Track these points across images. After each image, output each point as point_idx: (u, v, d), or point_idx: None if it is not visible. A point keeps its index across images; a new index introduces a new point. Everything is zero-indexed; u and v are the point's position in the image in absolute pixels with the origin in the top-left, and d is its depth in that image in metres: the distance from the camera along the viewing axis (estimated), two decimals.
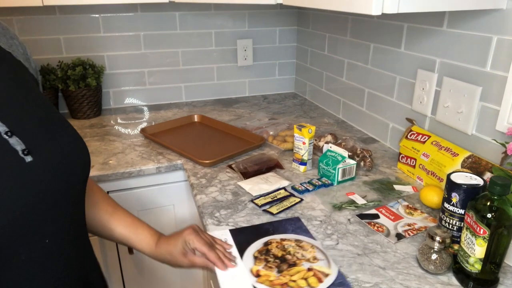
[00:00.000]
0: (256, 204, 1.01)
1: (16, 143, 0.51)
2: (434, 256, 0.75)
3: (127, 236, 0.78)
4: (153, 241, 0.79)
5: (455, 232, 0.80)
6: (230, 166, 1.21)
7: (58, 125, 0.59)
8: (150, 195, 1.30)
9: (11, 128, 0.51)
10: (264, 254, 0.81)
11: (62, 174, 0.56)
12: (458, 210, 0.78)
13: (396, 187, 1.09)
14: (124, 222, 0.79)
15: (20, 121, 0.53)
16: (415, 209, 0.98)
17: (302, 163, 1.18)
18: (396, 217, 0.95)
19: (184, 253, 0.77)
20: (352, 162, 1.12)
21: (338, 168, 1.09)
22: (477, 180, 0.78)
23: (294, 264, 0.78)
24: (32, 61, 0.66)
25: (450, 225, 0.80)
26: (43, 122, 0.57)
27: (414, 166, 1.12)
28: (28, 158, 0.51)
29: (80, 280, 0.62)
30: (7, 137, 0.51)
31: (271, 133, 1.43)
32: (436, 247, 0.74)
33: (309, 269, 0.76)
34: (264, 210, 0.98)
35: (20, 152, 0.51)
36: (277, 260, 0.79)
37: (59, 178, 0.55)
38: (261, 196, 1.05)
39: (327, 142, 1.28)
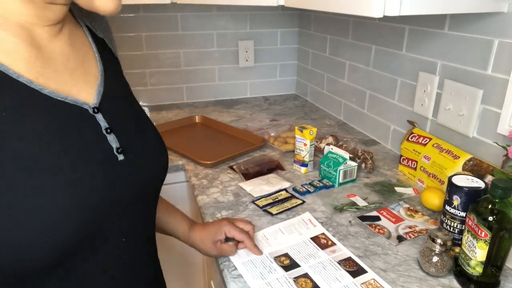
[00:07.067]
0: (257, 205, 1.01)
1: (113, 140, 0.52)
2: (435, 259, 0.75)
3: (162, 220, 0.81)
4: (187, 226, 0.82)
5: (456, 235, 0.80)
6: (231, 167, 1.21)
7: (146, 124, 0.61)
8: None
9: (111, 125, 0.52)
10: None
11: (145, 174, 0.57)
12: (459, 213, 0.78)
13: (397, 189, 1.09)
14: (159, 207, 0.80)
15: (117, 118, 0.54)
16: (416, 212, 0.98)
17: (303, 164, 1.18)
18: (397, 219, 0.95)
19: (215, 242, 0.81)
20: (353, 164, 1.12)
21: (339, 170, 1.09)
22: (478, 183, 0.78)
23: None
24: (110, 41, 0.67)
25: (452, 228, 0.80)
26: (135, 120, 0.58)
27: (415, 169, 1.12)
28: (121, 157, 0.53)
29: (148, 278, 0.64)
30: (106, 134, 0.52)
31: (272, 134, 1.44)
32: (437, 250, 0.74)
33: None
34: (264, 210, 0.98)
35: (115, 150, 0.52)
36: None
37: (142, 178, 0.56)
38: (262, 197, 1.05)
39: (328, 144, 1.28)
